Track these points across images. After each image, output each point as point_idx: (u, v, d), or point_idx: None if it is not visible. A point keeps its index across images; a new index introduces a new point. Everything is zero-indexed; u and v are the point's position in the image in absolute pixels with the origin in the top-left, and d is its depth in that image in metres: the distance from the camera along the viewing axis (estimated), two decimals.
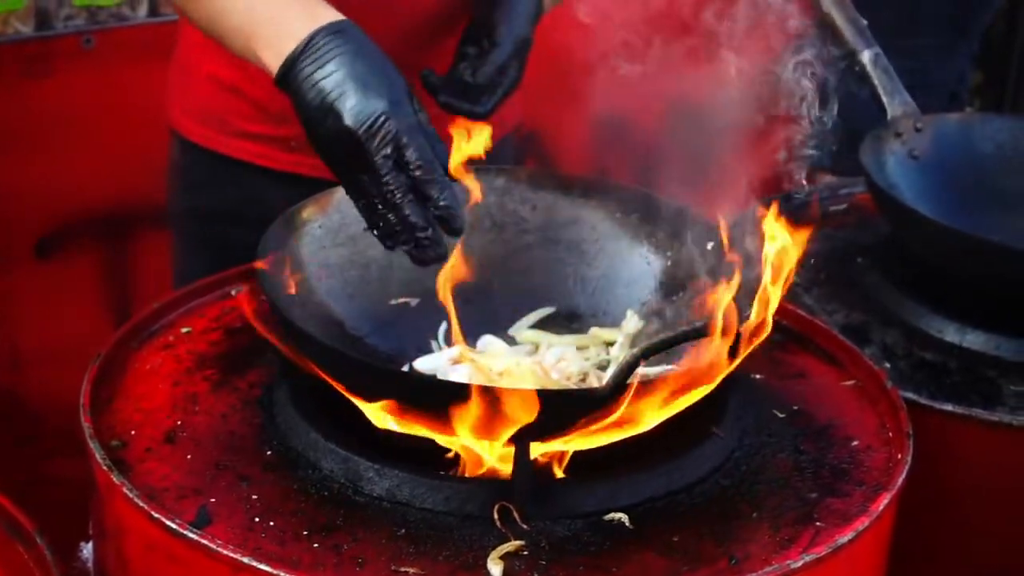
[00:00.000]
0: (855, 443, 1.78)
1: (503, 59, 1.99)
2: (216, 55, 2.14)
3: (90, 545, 1.84)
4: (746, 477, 1.69)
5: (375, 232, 1.65)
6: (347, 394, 1.62)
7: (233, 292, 2.01)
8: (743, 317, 1.67)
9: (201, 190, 2.31)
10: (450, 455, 1.67)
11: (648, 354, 1.53)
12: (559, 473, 1.65)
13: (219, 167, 2.27)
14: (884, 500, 1.65)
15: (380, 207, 1.63)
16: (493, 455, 1.63)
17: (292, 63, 1.66)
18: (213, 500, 1.60)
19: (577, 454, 1.64)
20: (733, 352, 1.57)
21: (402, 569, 1.51)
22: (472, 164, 1.68)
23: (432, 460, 1.66)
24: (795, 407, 1.85)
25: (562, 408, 1.55)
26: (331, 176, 2.05)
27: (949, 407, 1.97)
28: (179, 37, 2.31)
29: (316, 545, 1.54)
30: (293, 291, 1.75)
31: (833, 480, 1.71)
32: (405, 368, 1.78)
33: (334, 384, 1.62)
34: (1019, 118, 2.59)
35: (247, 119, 2.21)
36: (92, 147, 2.99)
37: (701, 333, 1.55)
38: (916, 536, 1.85)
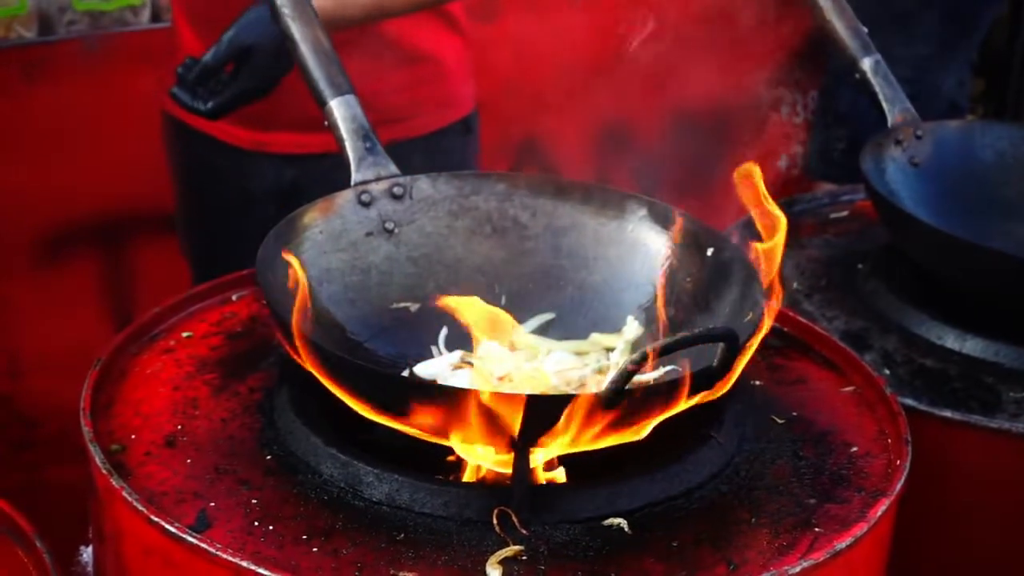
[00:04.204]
0: (854, 449, 1.78)
1: (210, 62, 2.21)
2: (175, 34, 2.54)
3: (89, 549, 1.84)
4: (745, 483, 1.70)
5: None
6: (349, 400, 1.62)
7: (234, 297, 2.02)
8: (745, 322, 1.68)
9: (172, 154, 2.65)
10: (452, 459, 1.67)
11: (647, 360, 1.53)
12: (558, 478, 1.65)
13: (180, 133, 2.56)
14: (883, 506, 1.65)
15: None
16: (492, 460, 1.63)
17: None
18: (213, 504, 1.60)
19: (576, 459, 1.64)
20: (731, 359, 1.57)
21: (401, 574, 1.51)
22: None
23: (431, 465, 1.66)
24: (794, 413, 1.85)
25: (561, 414, 1.55)
26: (254, 147, 2.48)
27: (948, 413, 1.97)
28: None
29: (315, 549, 1.54)
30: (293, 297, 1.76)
31: (832, 486, 1.71)
32: (405, 373, 1.78)
33: (335, 390, 1.62)
34: (1019, 126, 2.59)
35: None
36: (94, 152, 3.00)
37: (701, 339, 1.56)
38: (915, 542, 1.85)
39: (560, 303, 1.90)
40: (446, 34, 2.54)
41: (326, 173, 2.36)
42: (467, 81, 2.63)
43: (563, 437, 1.56)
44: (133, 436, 1.72)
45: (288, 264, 1.77)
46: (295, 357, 1.64)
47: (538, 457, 1.61)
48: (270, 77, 2.24)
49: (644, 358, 1.52)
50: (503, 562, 1.53)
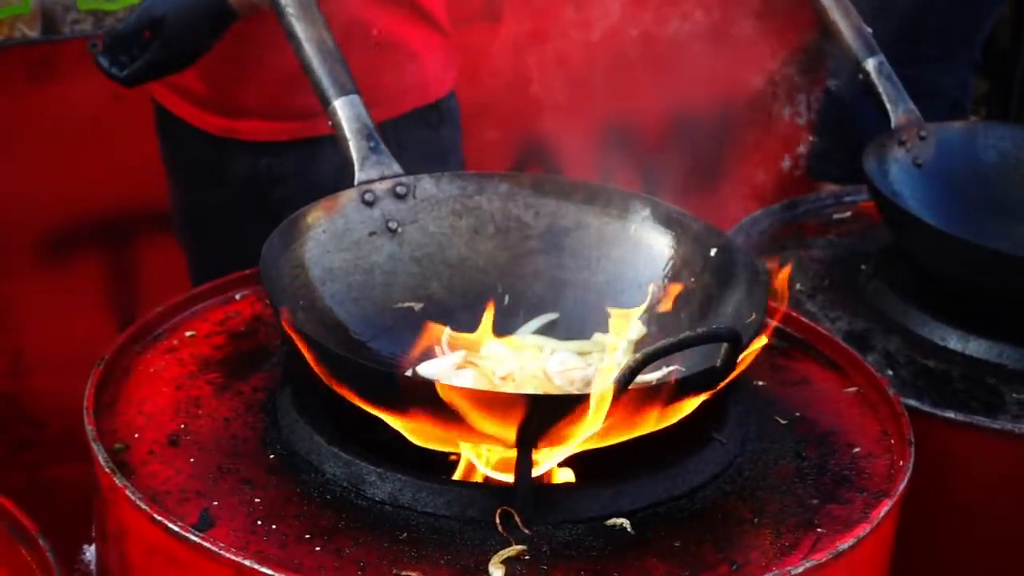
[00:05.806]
0: (857, 450, 1.78)
1: (121, 29, 2.23)
2: None
3: (93, 548, 1.84)
4: (748, 483, 1.70)
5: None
6: (355, 400, 1.62)
7: (237, 296, 2.02)
8: (748, 323, 1.68)
9: (160, 141, 2.66)
10: (453, 458, 1.67)
11: (650, 359, 1.53)
12: (560, 478, 1.65)
13: (164, 120, 2.58)
14: (885, 507, 1.65)
15: None
16: (495, 459, 1.63)
17: None
18: (216, 503, 1.60)
19: (579, 459, 1.64)
20: (733, 360, 1.57)
21: (403, 573, 1.51)
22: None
23: (434, 464, 1.66)
24: (797, 413, 1.85)
25: (564, 413, 1.55)
26: (226, 133, 2.44)
27: (951, 414, 1.97)
28: None
29: (318, 549, 1.54)
30: (296, 296, 1.76)
31: (834, 487, 1.71)
32: (409, 373, 1.78)
33: (339, 389, 1.62)
34: (1023, 127, 2.59)
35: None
36: (97, 151, 3.00)
37: (704, 339, 1.56)
38: (918, 543, 1.85)
39: (563, 303, 1.90)
40: (422, 29, 2.52)
41: (300, 161, 2.38)
42: (442, 72, 2.59)
43: (566, 437, 1.56)
44: (136, 435, 1.72)
45: (291, 263, 1.77)
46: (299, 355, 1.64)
47: (547, 458, 1.62)
48: (183, 50, 2.24)
49: (648, 358, 1.52)
50: (506, 562, 1.53)
